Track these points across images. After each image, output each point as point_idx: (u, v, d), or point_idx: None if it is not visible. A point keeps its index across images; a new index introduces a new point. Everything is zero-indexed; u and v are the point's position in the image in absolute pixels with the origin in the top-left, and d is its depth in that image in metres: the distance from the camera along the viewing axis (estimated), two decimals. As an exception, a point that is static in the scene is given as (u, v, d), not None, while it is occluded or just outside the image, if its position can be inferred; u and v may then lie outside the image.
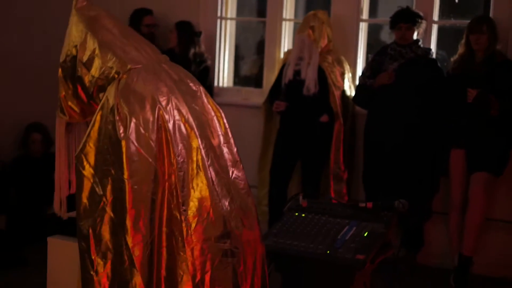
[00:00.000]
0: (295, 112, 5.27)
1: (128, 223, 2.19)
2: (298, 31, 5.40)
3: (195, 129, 2.35)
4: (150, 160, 2.23)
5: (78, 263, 2.28)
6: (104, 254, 2.22)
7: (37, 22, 5.87)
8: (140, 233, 2.20)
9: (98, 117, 2.27)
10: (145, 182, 2.22)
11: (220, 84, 6.16)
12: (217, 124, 2.46)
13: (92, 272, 2.23)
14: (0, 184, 5.40)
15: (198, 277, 2.28)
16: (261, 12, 6.22)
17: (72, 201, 2.51)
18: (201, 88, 2.50)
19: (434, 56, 5.16)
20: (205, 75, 5.66)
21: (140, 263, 2.20)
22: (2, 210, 5.31)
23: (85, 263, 2.24)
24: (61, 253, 2.58)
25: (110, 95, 2.28)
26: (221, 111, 2.51)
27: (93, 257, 2.23)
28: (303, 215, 3.27)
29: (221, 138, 2.46)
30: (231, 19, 6.15)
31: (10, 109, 5.76)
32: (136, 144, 2.21)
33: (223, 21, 6.11)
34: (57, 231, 2.62)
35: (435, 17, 5.37)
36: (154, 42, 5.56)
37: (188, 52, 5.62)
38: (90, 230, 2.23)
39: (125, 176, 2.19)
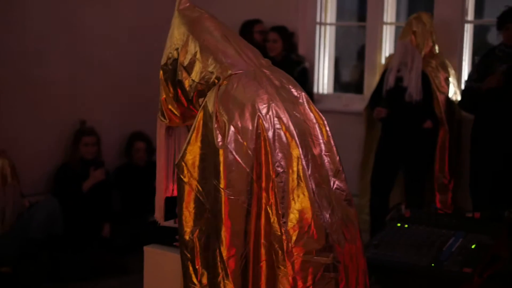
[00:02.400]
0: (397, 118, 5.13)
1: (224, 234, 2.15)
2: (400, 36, 5.26)
3: (296, 138, 2.28)
4: (248, 170, 2.18)
5: (173, 272, 2.26)
6: (206, 265, 2.19)
7: (139, 31, 5.99)
8: (235, 245, 2.15)
9: (198, 124, 2.24)
10: (242, 193, 2.17)
11: (320, 91, 6.09)
12: (319, 132, 2.38)
13: (196, 282, 2.20)
14: (104, 192, 5.53)
15: (300, 292, 2.20)
16: (362, 16, 6.10)
17: (170, 207, 2.51)
18: (303, 94, 2.42)
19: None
20: (304, 77, 5.61)
21: (234, 276, 2.15)
22: (106, 218, 5.43)
23: (188, 273, 2.22)
24: (157, 262, 2.57)
25: (209, 102, 2.25)
26: (323, 118, 2.43)
27: (197, 267, 2.20)
28: (406, 225, 3.16)
29: (323, 146, 2.37)
30: (330, 24, 6.07)
31: (114, 118, 5.90)
32: (234, 153, 2.17)
33: (322, 27, 6.04)
34: (154, 240, 2.62)
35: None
36: (265, 49, 5.58)
37: (290, 57, 5.63)
38: (195, 239, 2.21)
39: (222, 185, 2.15)
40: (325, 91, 6.12)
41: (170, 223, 2.57)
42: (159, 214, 2.57)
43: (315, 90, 6.02)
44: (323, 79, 6.11)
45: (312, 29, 6.00)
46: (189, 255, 2.21)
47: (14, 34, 5.26)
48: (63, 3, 5.55)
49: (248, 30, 5.82)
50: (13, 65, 5.24)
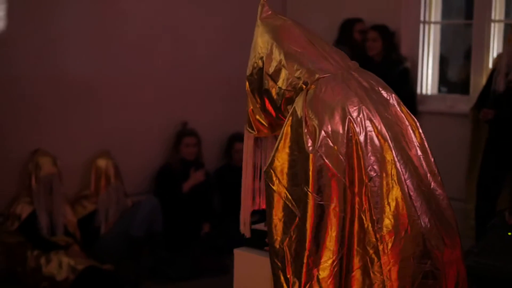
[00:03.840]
0: (505, 120, 4.88)
1: (310, 241, 2.08)
2: (510, 37, 4.98)
3: (389, 141, 2.19)
4: (339, 175, 2.11)
5: (263, 276, 2.22)
6: (298, 274, 2.13)
7: (236, 31, 6.02)
8: (326, 252, 2.09)
9: (287, 130, 2.19)
10: (332, 198, 2.10)
11: (424, 92, 5.91)
12: (412, 134, 2.28)
13: None
14: (204, 193, 5.59)
15: (397, 300, 2.11)
16: (470, 13, 5.87)
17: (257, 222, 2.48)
18: (394, 96, 2.32)
19: None
20: (405, 77, 5.47)
21: (326, 284, 2.08)
22: (206, 218, 5.49)
23: (279, 282, 2.17)
24: (247, 265, 2.55)
25: (298, 107, 2.19)
26: (416, 120, 2.33)
27: (288, 276, 2.15)
28: (510, 233, 2.99)
29: (418, 149, 2.27)
30: (435, 23, 5.88)
31: (215, 119, 5.95)
32: (324, 158, 2.11)
33: (426, 25, 5.86)
34: (245, 242, 2.59)
35: None
36: (364, 48, 5.49)
37: (390, 56, 5.50)
38: (286, 248, 2.15)
39: (311, 191, 2.10)
40: (429, 92, 5.93)
41: (261, 226, 2.53)
42: (245, 228, 2.54)
43: (418, 90, 5.84)
44: (427, 80, 5.92)
45: (415, 28, 5.83)
46: (280, 264, 2.16)
47: (119, 34, 5.40)
48: (164, 7, 5.65)
49: (348, 29, 5.74)
50: (117, 66, 5.38)
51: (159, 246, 5.06)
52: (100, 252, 4.90)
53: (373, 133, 2.17)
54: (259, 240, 2.48)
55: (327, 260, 2.09)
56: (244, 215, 2.55)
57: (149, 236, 5.01)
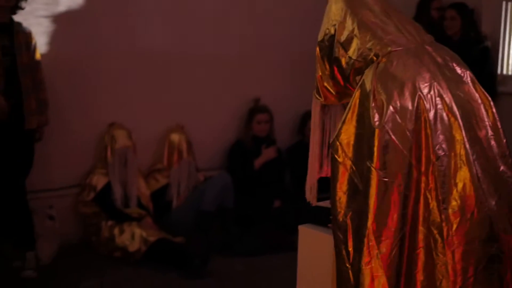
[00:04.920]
0: None
1: (374, 217, 2.06)
2: None
3: (459, 119, 2.12)
4: (405, 152, 2.07)
5: (326, 253, 2.20)
6: (359, 248, 2.11)
7: (309, 9, 5.95)
8: (387, 229, 2.05)
9: (355, 103, 2.16)
10: (397, 175, 2.06)
11: (504, 72, 5.71)
12: (485, 114, 2.20)
13: (347, 265, 2.14)
14: (275, 169, 5.59)
15: (459, 283, 2.06)
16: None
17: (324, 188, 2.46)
18: (468, 73, 2.25)
19: None
20: (485, 57, 5.29)
21: (385, 260, 2.05)
22: (277, 195, 5.49)
23: (341, 255, 2.16)
24: (311, 242, 2.53)
25: (367, 80, 2.15)
26: (490, 99, 2.24)
27: (349, 249, 2.14)
28: None
29: (489, 129, 2.19)
30: (518, 0, 5.67)
31: (288, 96, 5.94)
32: (391, 134, 2.06)
33: (510, 3, 5.64)
34: (310, 219, 2.58)
35: None
36: (442, 26, 5.36)
37: (469, 35, 5.33)
38: (349, 222, 2.14)
39: (375, 166, 2.06)
40: (510, 72, 5.72)
41: (326, 204, 2.52)
42: (310, 194, 2.53)
43: (498, 71, 5.65)
44: (508, 60, 5.71)
45: (498, 5, 5.63)
46: (342, 237, 2.15)
47: (195, 10, 5.44)
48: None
49: (425, 7, 5.60)
50: (192, 42, 5.43)
51: (229, 221, 5.11)
52: (171, 225, 4.99)
53: (443, 111, 2.11)
54: (324, 217, 2.46)
55: (388, 238, 2.06)
56: (311, 182, 2.54)
57: (220, 211, 5.06)
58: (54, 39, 4.80)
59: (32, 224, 4.50)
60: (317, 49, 2.38)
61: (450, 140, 2.10)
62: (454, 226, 2.07)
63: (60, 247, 4.73)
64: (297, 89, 5.98)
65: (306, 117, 5.86)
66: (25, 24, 4.42)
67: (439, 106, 2.12)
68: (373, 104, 2.10)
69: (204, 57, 5.50)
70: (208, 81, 5.57)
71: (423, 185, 2.09)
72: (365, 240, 2.07)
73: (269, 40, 5.84)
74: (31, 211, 4.50)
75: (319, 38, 2.37)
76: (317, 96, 2.45)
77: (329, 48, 2.32)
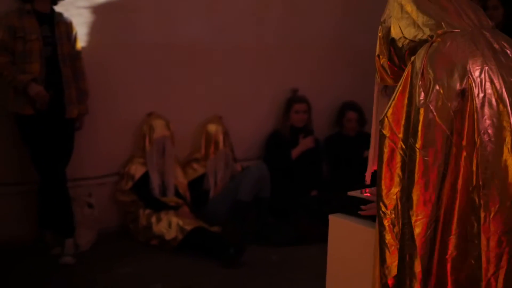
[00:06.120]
0: None
1: (414, 197, 2.03)
2: None
3: (508, 107, 2.07)
4: (448, 132, 2.04)
5: (356, 242, 2.18)
6: (399, 225, 2.10)
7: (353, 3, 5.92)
8: (425, 208, 2.04)
9: (406, 80, 2.14)
10: (438, 155, 2.04)
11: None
12: None
13: (392, 241, 2.12)
14: (313, 160, 5.58)
15: (491, 271, 2.03)
16: None
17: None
18: None
19: None
20: None
21: (420, 240, 2.04)
22: (314, 185, 5.48)
23: (383, 228, 2.14)
24: (341, 231, 2.53)
25: (418, 58, 2.13)
26: None
27: (391, 226, 2.13)
28: None
29: None
30: None
31: (326, 87, 5.91)
32: (435, 113, 2.04)
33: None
34: (340, 209, 2.58)
35: None
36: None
37: (512, 24, 5.24)
38: (394, 198, 2.13)
39: (417, 145, 2.04)
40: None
41: (357, 193, 2.51)
42: (368, 172, 2.51)
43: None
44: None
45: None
46: (385, 212, 2.14)
47: (232, 2, 5.45)
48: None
49: None
50: (229, 33, 5.45)
51: (265, 211, 5.12)
52: (208, 214, 5.02)
53: (492, 96, 2.07)
54: (354, 207, 2.46)
55: (423, 218, 2.04)
56: (372, 160, 2.51)
57: (256, 201, 5.07)
58: (94, 30, 4.86)
59: (72, 211, 4.57)
60: (379, 28, 2.37)
61: (497, 127, 2.06)
62: (492, 214, 2.04)
63: (99, 235, 4.80)
64: (336, 80, 5.97)
65: (344, 108, 5.84)
66: (66, 14, 4.48)
67: (489, 91, 2.08)
68: (420, 82, 2.08)
69: (242, 48, 5.51)
70: (247, 72, 5.58)
71: (462, 169, 2.06)
72: (406, 218, 2.06)
73: (308, 31, 5.82)
74: (71, 199, 4.57)
75: (382, 18, 2.38)
76: (376, 76, 2.44)
77: (388, 29, 2.32)
